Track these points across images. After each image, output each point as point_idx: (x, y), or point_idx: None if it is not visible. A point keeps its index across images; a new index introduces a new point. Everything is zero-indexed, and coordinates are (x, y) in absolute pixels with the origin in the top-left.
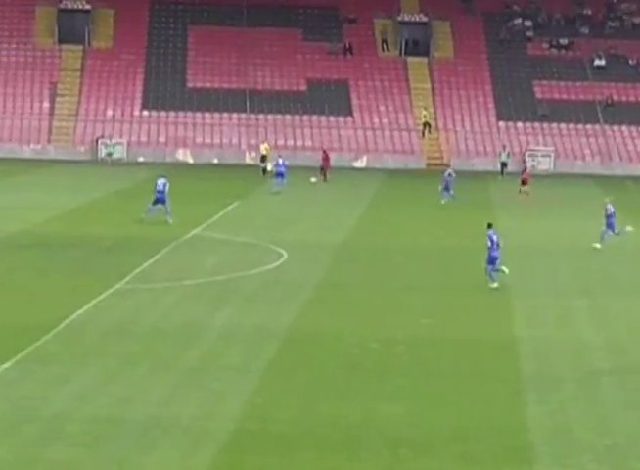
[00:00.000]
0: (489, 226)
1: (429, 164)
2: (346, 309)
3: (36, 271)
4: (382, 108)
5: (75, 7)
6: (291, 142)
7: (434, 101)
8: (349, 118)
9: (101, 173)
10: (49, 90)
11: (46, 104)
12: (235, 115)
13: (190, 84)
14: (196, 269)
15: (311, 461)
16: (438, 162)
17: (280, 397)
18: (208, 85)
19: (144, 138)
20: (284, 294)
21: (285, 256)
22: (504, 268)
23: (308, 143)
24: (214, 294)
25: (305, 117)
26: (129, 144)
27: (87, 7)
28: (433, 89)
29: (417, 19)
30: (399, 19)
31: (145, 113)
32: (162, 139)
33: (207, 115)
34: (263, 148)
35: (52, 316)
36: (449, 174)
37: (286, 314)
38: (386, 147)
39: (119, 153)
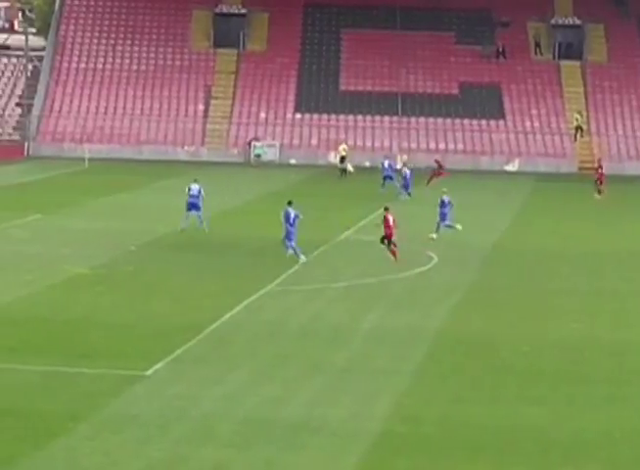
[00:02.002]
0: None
1: (581, 168)
2: (497, 313)
3: (188, 273)
4: (534, 111)
5: (231, 11)
6: (442, 145)
7: (586, 104)
8: (501, 122)
9: (253, 175)
10: (204, 93)
11: (200, 106)
12: (387, 118)
13: (343, 87)
14: (346, 272)
15: (460, 464)
16: (590, 166)
17: (429, 399)
18: (361, 88)
19: (296, 141)
20: (434, 297)
21: (435, 259)
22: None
23: (460, 146)
24: (364, 296)
25: (457, 121)
26: (281, 146)
27: (242, 11)
28: (585, 93)
29: (570, 22)
30: (552, 22)
31: (298, 115)
32: (315, 142)
33: (360, 117)
34: (342, 149)
35: (204, 317)
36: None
37: (435, 317)
38: (537, 150)
39: (272, 155)
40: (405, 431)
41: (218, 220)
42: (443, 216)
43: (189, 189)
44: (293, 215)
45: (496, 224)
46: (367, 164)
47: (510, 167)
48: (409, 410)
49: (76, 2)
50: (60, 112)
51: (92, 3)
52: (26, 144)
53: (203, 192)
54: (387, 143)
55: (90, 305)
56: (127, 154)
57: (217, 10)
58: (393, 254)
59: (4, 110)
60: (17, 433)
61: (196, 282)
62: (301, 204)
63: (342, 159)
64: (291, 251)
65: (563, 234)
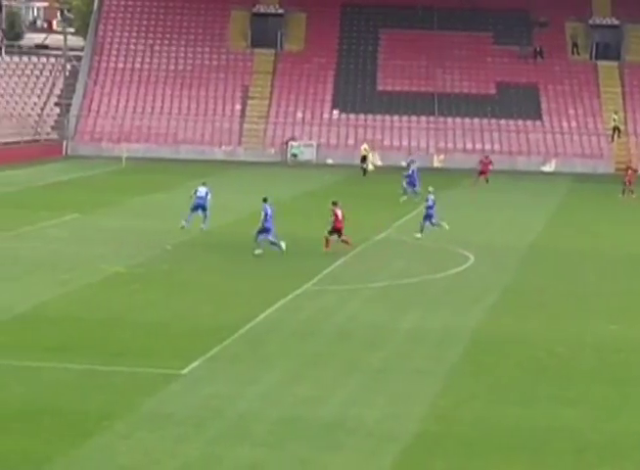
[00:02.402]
0: (334, 204)
1: (617, 169)
2: (533, 313)
3: (224, 272)
4: (571, 112)
5: (268, 11)
6: (479, 145)
7: (624, 105)
8: (538, 122)
9: (289, 175)
10: (241, 93)
11: (237, 106)
12: (424, 118)
13: (380, 87)
14: (383, 272)
15: (495, 465)
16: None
17: (464, 399)
18: (398, 88)
19: (333, 140)
20: (470, 297)
21: (472, 259)
22: None
23: (496, 146)
24: (401, 296)
25: (494, 121)
26: (318, 146)
27: (280, 11)
28: (623, 93)
29: (608, 22)
30: (590, 22)
31: (335, 115)
32: (352, 141)
33: (396, 117)
34: (363, 148)
35: (239, 317)
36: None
37: (471, 317)
38: (574, 151)
39: (309, 155)
40: (440, 431)
41: (255, 220)
42: (429, 217)
43: (195, 191)
44: (269, 212)
45: (532, 225)
46: (403, 163)
47: (547, 168)
48: (444, 411)
49: (115, 2)
50: (98, 111)
51: (130, 3)
52: (65, 143)
53: (210, 195)
54: (423, 143)
55: (126, 303)
56: (164, 153)
57: (255, 10)
58: (327, 244)
59: (43, 109)
60: (53, 431)
61: (231, 281)
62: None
63: (364, 158)
64: (260, 250)
65: (599, 235)
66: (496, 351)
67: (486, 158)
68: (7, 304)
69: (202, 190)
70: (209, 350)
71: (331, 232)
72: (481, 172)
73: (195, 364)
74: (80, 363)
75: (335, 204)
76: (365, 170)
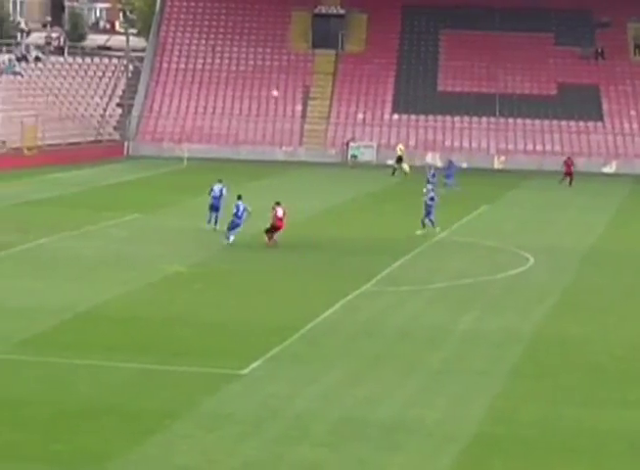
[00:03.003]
0: (277, 203)
1: None
2: (593, 315)
3: (284, 272)
4: (632, 112)
5: (330, 12)
6: (539, 146)
7: None
8: (599, 123)
9: (350, 176)
10: (302, 94)
11: (298, 107)
12: (484, 119)
13: (440, 88)
14: (442, 273)
15: (555, 466)
16: None
17: (524, 401)
18: (458, 89)
19: (394, 141)
20: (530, 298)
21: (531, 260)
22: None
23: (557, 148)
24: (460, 297)
25: (555, 122)
26: (379, 147)
27: (341, 12)
28: None
29: None
30: None
31: (395, 116)
32: (412, 142)
33: (457, 118)
34: (399, 149)
35: (300, 317)
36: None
37: (531, 319)
38: (636, 152)
39: (369, 156)
40: (500, 432)
41: (315, 220)
42: (428, 212)
43: (211, 190)
44: (242, 209)
45: (593, 226)
46: (464, 165)
47: (607, 169)
48: (504, 412)
49: (177, 3)
50: (159, 112)
51: (192, 4)
52: (126, 144)
53: (225, 192)
54: (484, 144)
55: (187, 303)
56: (225, 154)
57: (316, 11)
58: (269, 239)
59: (105, 110)
60: (114, 430)
61: (291, 281)
62: (396, 205)
63: (399, 159)
64: (232, 239)
65: None
66: (556, 352)
67: (569, 158)
68: (69, 303)
69: (216, 189)
70: (270, 350)
71: (269, 230)
72: (567, 173)
73: (255, 364)
74: (141, 362)
75: (278, 203)
76: (395, 170)
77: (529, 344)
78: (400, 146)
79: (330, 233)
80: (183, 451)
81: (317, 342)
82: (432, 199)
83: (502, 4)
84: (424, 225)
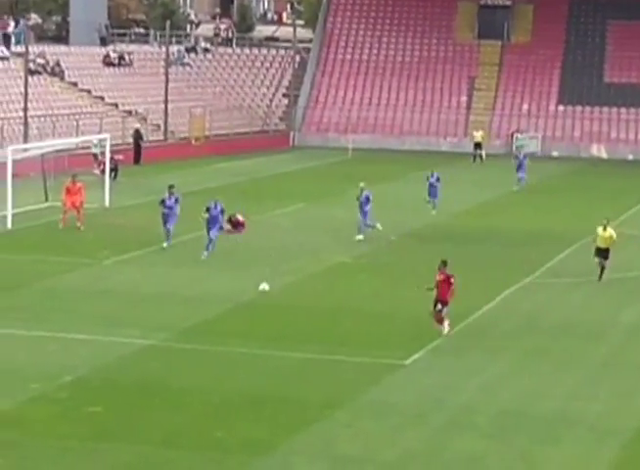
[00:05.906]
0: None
1: None
2: None
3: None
4: None
5: (496, 3)
6: None
7: None
8: None
9: (514, 167)
10: (467, 85)
11: (464, 98)
12: None
13: (607, 79)
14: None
15: None
16: None
17: None
18: (625, 80)
19: (558, 133)
20: None
21: None
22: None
23: None
24: (623, 290)
25: None
26: (544, 138)
27: (507, 3)
28: None
29: None
30: None
31: (561, 107)
32: (577, 134)
33: (623, 110)
34: (479, 135)
35: (462, 309)
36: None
37: None
38: None
39: (533, 147)
40: None
41: (475, 212)
42: (364, 214)
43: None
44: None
45: None
46: (630, 157)
47: None
48: None
49: None
50: (325, 102)
51: None
52: (292, 134)
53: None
54: None
55: (351, 293)
56: (390, 144)
57: (482, 2)
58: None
59: (271, 100)
60: (276, 418)
61: (454, 273)
62: (561, 197)
63: (478, 145)
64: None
65: None
66: None
67: None
68: (234, 292)
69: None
70: (432, 341)
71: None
72: None
73: (418, 355)
74: (304, 352)
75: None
76: (475, 157)
77: None
78: (481, 132)
79: (491, 225)
80: (344, 441)
81: (480, 333)
82: None
83: None
84: None
